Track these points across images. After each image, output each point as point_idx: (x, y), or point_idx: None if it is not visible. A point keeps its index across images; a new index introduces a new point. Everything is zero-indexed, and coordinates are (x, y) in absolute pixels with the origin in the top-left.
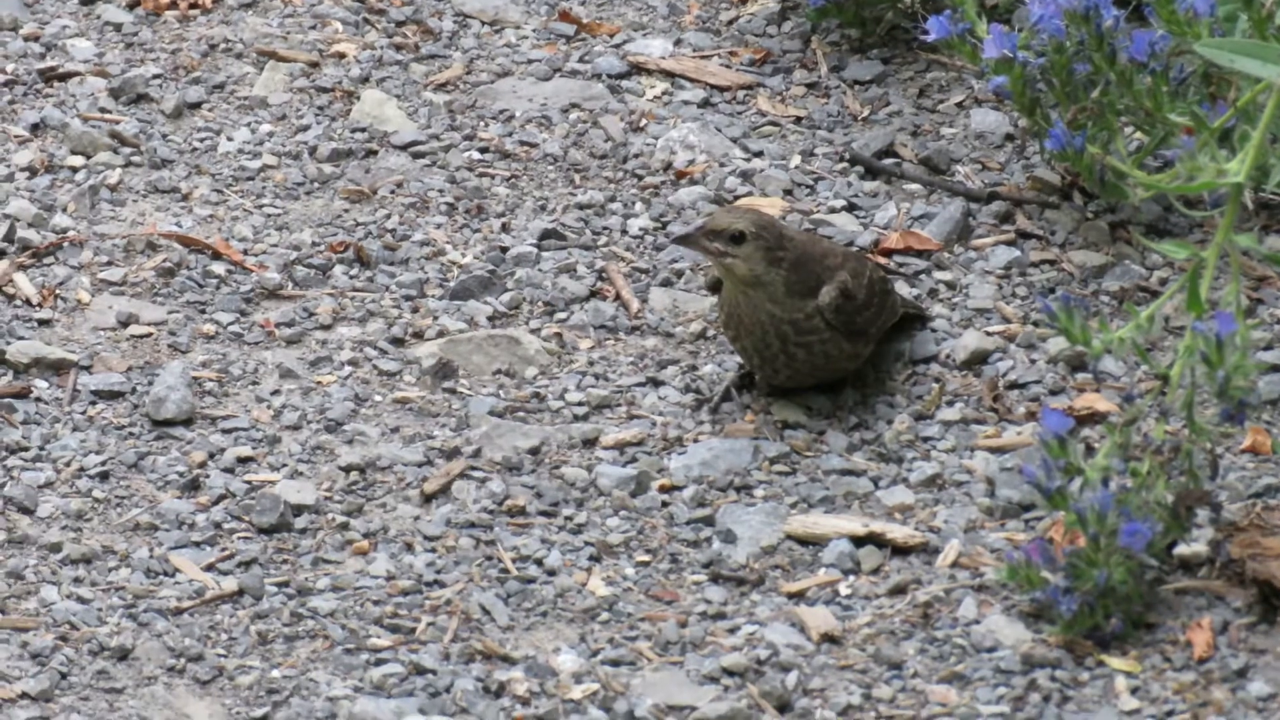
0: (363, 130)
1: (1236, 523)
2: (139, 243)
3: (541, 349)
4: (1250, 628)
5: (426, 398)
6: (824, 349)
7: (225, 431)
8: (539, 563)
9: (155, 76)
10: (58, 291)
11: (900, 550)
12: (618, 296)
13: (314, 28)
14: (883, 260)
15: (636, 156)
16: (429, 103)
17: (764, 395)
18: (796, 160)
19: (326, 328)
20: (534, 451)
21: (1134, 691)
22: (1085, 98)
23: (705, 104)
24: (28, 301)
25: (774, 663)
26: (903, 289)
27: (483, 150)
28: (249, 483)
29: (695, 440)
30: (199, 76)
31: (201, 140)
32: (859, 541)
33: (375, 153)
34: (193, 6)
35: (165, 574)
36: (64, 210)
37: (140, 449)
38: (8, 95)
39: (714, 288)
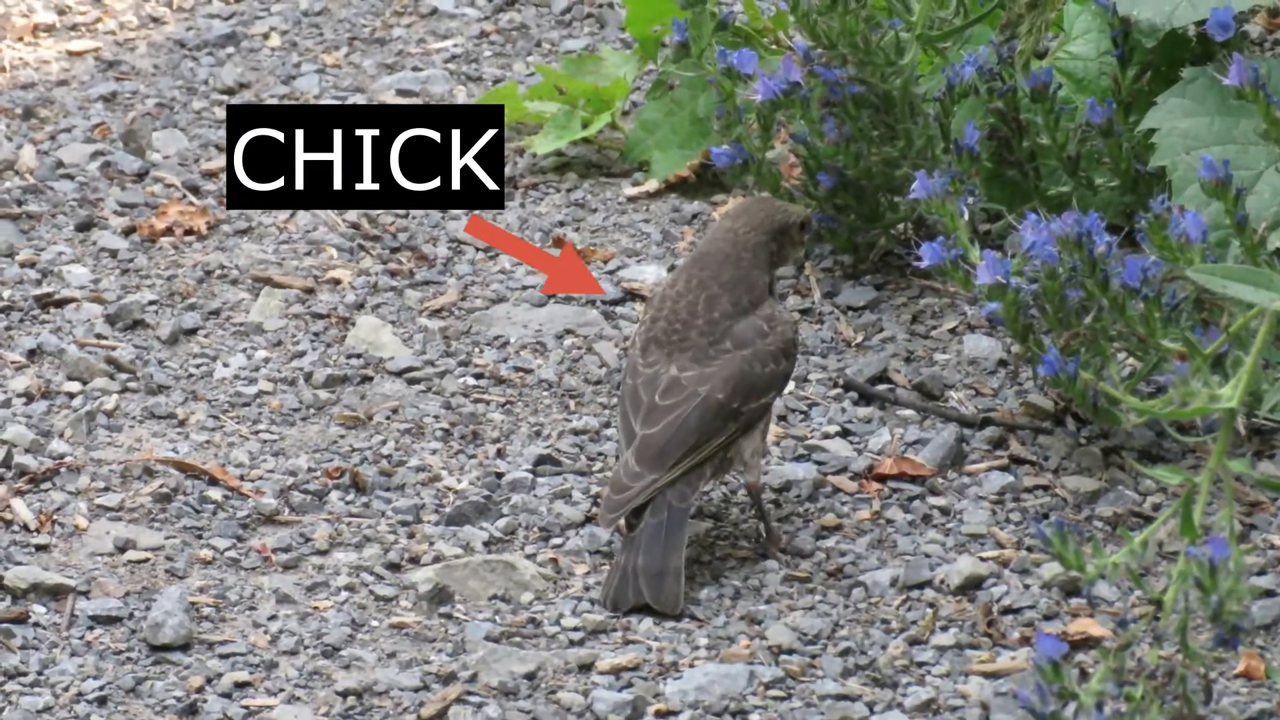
0: (358, 356)
1: None
2: (136, 468)
3: (537, 574)
4: None
5: (423, 623)
6: None
7: (223, 656)
8: None
9: (151, 303)
10: (55, 517)
11: None
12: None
13: (309, 254)
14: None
15: None
16: (424, 329)
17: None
18: (790, 386)
19: (323, 553)
20: (530, 676)
21: None
22: (1078, 324)
23: None
24: (25, 527)
25: None
26: (897, 513)
27: (478, 376)
28: (246, 708)
29: (691, 665)
30: (195, 302)
31: (198, 366)
32: None
33: (370, 379)
34: (188, 233)
35: None
36: (61, 436)
37: (138, 674)
38: (4, 321)
39: None
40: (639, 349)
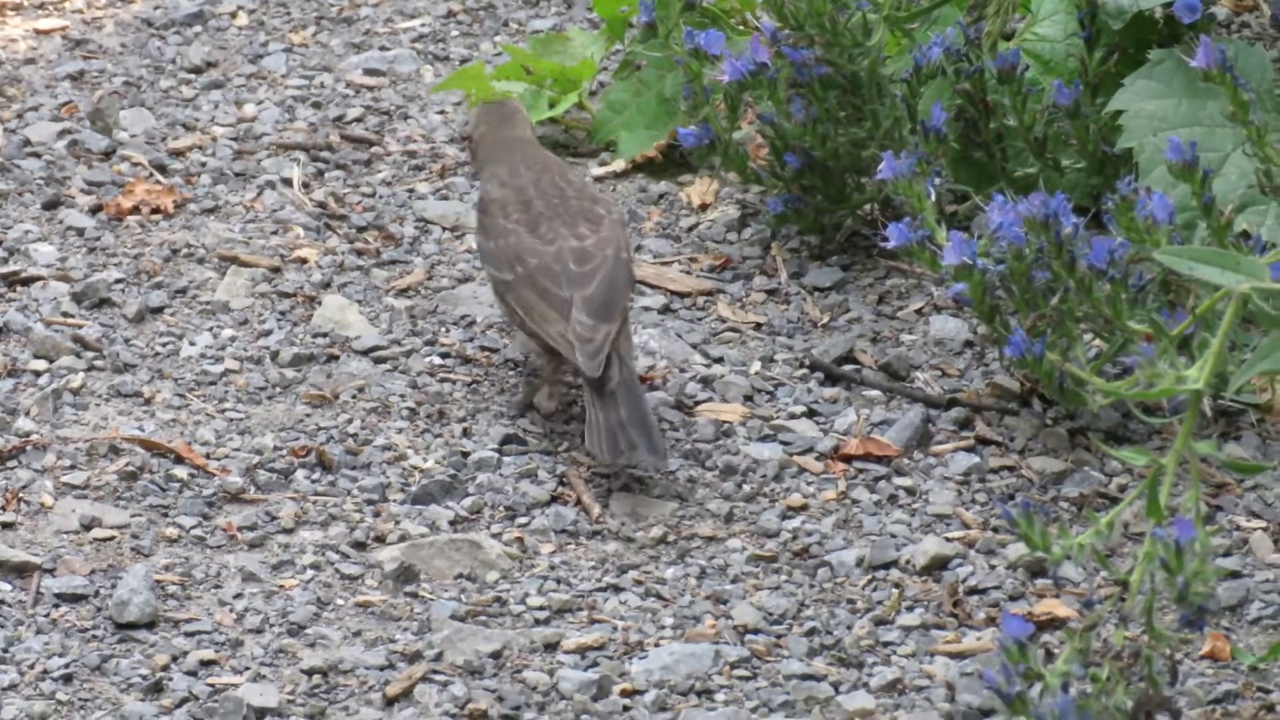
0: (324, 335)
1: None
2: (102, 446)
3: (503, 553)
4: None
5: (388, 601)
6: None
7: (188, 634)
8: None
9: (118, 281)
10: (21, 495)
11: None
12: (579, 501)
13: (275, 233)
14: None
15: None
16: (390, 308)
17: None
18: (757, 366)
19: (289, 531)
20: (496, 655)
21: None
22: (1044, 305)
23: (665, 310)
24: None
25: None
26: (863, 494)
27: (444, 355)
28: (212, 685)
29: (656, 644)
30: (161, 281)
31: (164, 344)
32: None
33: (337, 358)
34: (155, 212)
35: None
36: (26, 414)
37: (104, 651)
38: None
39: None
40: (526, 228)
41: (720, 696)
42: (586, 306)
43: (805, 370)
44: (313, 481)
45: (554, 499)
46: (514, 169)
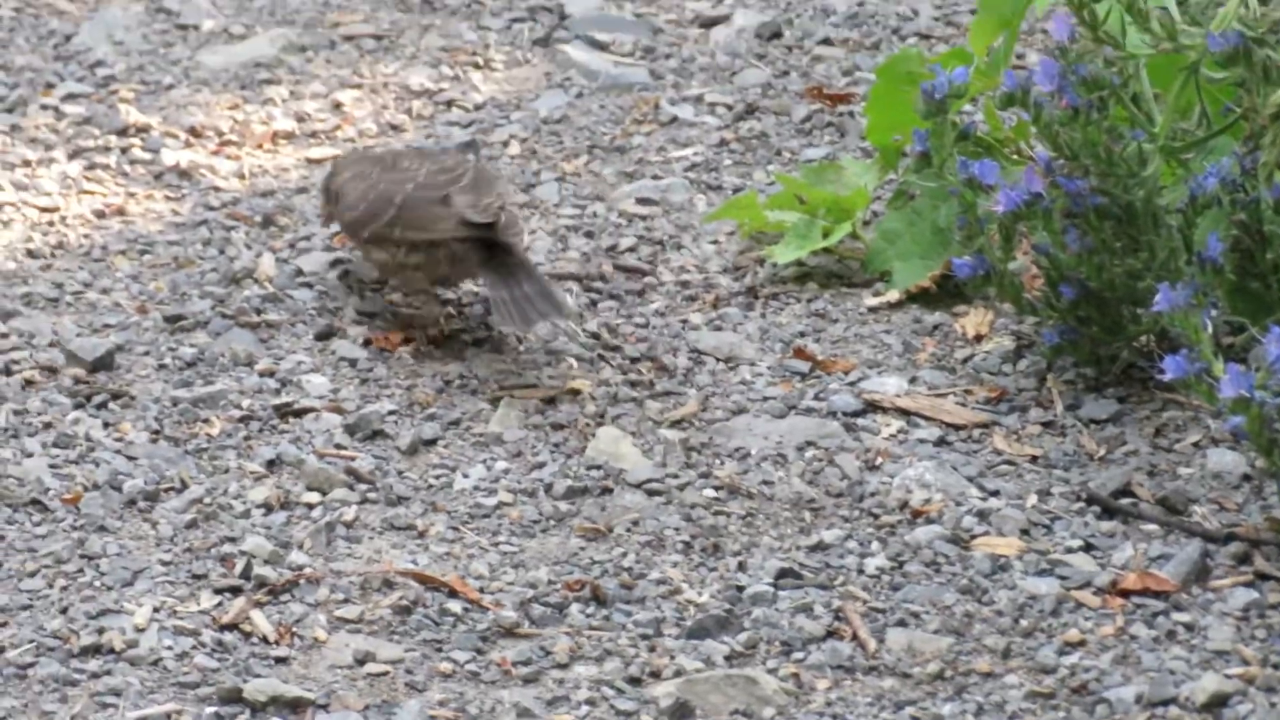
0: (598, 467)
1: None
2: (375, 580)
3: (779, 689)
4: None
5: None
6: None
7: None
8: None
9: (390, 413)
10: (294, 629)
11: None
12: (855, 636)
13: (549, 364)
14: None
15: (873, 495)
16: (664, 440)
17: None
18: (1033, 499)
19: (563, 666)
20: None
21: None
22: None
23: (941, 442)
24: (264, 639)
25: None
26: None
27: (718, 488)
28: None
29: None
30: (434, 413)
31: (437, 477)
32: None
33: (611, 490)
34: (429, 343)
35: None
36: (300, 547)
37: None
38: (243, 431)
39: None
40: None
41: None
42: (463, 192)
43: (1082, 503)
44: (587, 616)
45: (830, 634)
46: (364, 161)
